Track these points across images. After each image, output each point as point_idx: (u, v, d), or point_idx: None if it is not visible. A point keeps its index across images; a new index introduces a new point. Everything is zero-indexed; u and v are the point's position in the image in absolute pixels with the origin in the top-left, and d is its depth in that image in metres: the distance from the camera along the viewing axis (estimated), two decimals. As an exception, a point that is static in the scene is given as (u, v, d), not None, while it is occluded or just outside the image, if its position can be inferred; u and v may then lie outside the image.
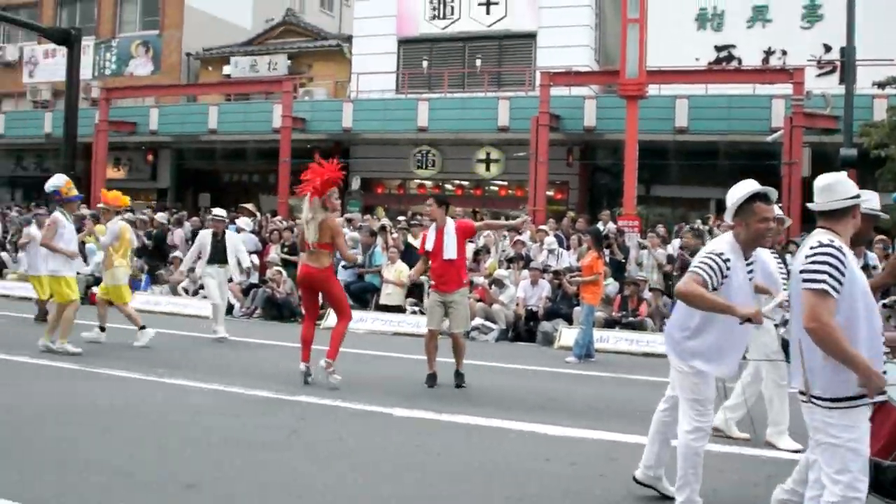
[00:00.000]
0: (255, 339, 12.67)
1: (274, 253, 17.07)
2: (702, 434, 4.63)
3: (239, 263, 12.84)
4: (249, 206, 19.58)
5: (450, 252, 8.92)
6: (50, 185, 10.61)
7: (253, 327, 14.56)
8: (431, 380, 8.96)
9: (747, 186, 4.64)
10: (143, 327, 11.14)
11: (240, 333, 13.11)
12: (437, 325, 9.06)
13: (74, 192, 10.75)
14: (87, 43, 30.06)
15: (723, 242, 4.64)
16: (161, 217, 19.77)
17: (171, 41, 30.83)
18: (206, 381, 8.57)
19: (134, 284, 17.24)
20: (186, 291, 17.09)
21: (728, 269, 4.50)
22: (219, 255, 12.43)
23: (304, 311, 9.85)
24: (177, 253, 17.86)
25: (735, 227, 4.64)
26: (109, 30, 32.02)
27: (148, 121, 27.01)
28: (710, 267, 4.46)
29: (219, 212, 13.19)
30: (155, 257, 18.23)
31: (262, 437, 6.29)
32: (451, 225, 9.05)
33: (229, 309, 16.09)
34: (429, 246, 9.04)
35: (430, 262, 9.17)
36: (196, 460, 5.58)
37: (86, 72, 29.30)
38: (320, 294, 9.09)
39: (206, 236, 12.63)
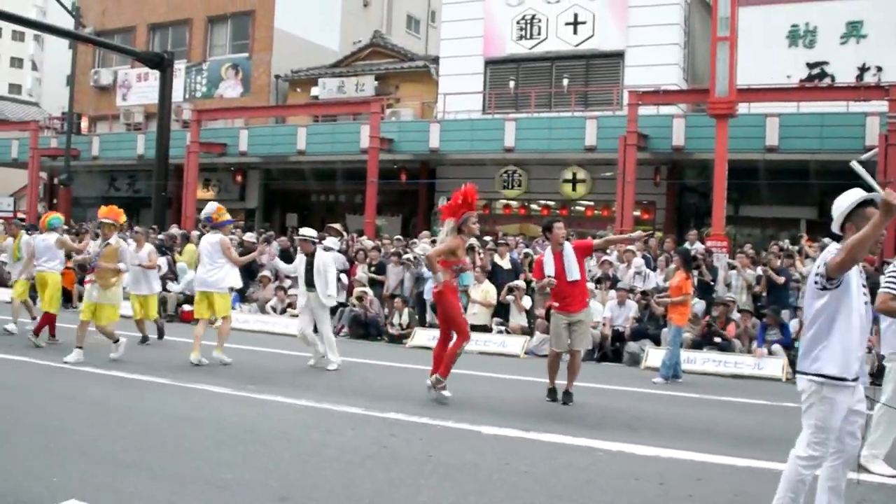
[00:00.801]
0: (343, 357, 12.95)
1: (361, 272, 17.41)
2: (814, 463, 4.53)
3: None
4: (337, 225, 19.99)
5: (573, 274, 9.20)
6: (204, 214, 12.00)
7: (340, 345, 14.83)
8: (552, 394, 9.31)
9: (855, 194, 4.68)
10: (117, 340, 11.16)
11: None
12: (564, 348, 9.26)
13: (225, 216, 11.79)
14: (179, 66, 31.30)
15: None
16: (249, 237, 20.33)
17: (261, 64, 31.74)
18: (295, 396, 8.82)
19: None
20: (274, 310, 17.54)
21: None
22: (308, 277, 11.73)
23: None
24: (265, 272, 18.36)
25: (846, 233, 4.64)
26: (200, 53, 33.16)
27: (237, 142, 27.77)
28: None
29: (307, 231, 12.38)
30: (243, 276, 18.73)
31: (352, 452, 6.45)
32: (568, 247, 9.21)
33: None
34: (549, 270, 9.21)
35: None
36: (287, 473, 5.77)
37: (177, 94, 30.54)
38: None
39: (299, 259, 12.06)
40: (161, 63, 27.06)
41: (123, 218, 11.89)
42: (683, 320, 12.05)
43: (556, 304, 9.31)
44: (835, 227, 4.76)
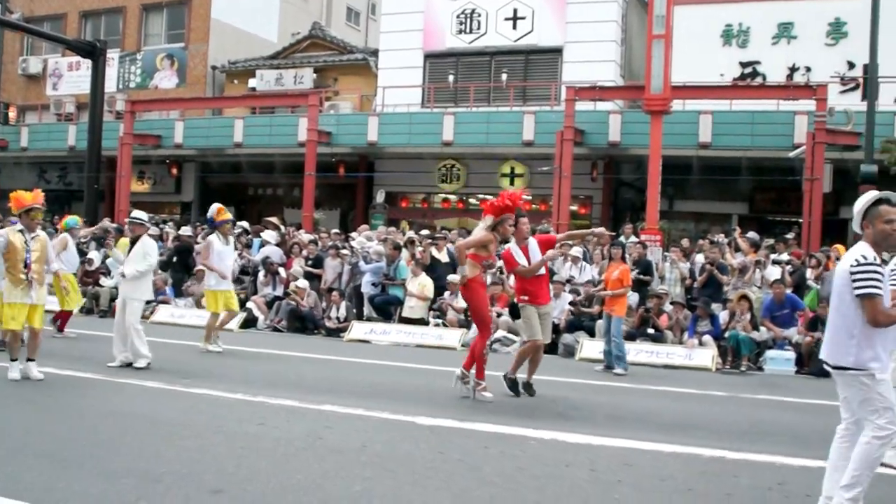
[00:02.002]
0: (279, 350, 12.96)
1: (297, 266, 17.36)
2: (888, 440, 4.67)
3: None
4: (274, 219, 19.90)
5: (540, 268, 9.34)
6: (208, 215, 12.82)
7: (278, 339, 14.85)
8: (516, 386, 9.37)
9: (871, 194, 4.88)
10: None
11: (264, 345, 13.43)
12: (541, 336, 9.28)
13: (225, 216, 12.55)
14: (112, 55, 30.71)
15: (865, 249, 4.77)
16: (186, 230, 20.12)
17: (197, 54, 31.34)
18: (230, 390, 8.80)
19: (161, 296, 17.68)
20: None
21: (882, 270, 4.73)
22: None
23: None
24: (200, 266, 18.20)
25: (864, 229, 4.81)
26: (134, 42, 32.57)
27: (173, 134, 27.43)
28: (877, 280, 4.65)
29: (138, 214, 11.18)
30: (180, 270, 18.57)
31: (287, 444, 6.48)
32: (533, 241, 9.34)
33: (254, 321, 16.46)
34: (523, 262, 9.27)
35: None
36: (222, 466, 5.77)
37: (110, 84, 29.93)
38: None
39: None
40: (93, 52, 26.57)
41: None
42: (623, 311, 12.32)
43: (525, 298, 9.40)
44: (855, 226, 4.94)
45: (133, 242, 10.72)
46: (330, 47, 30.52)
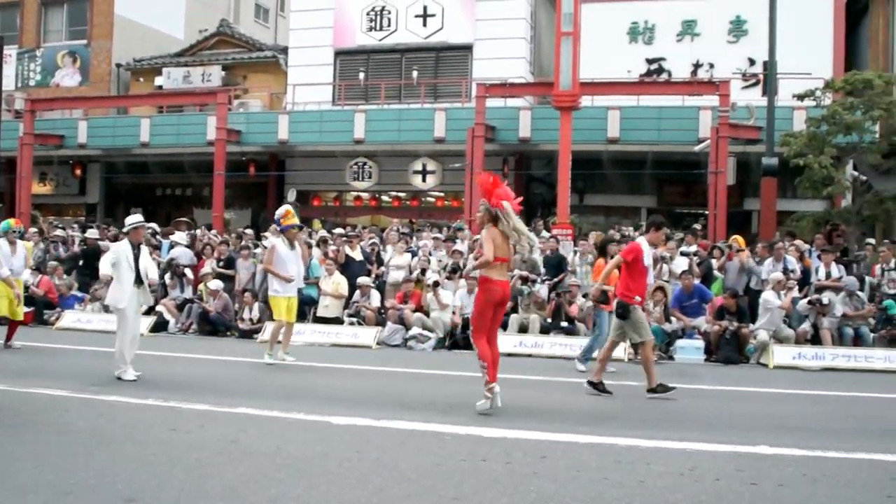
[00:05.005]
0: (190, 353, 12.71)
1: (208, 267, 17.07)
2: None
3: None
4: (185, 220, 19.55)
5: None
6: (275, 217, 12.40)
7: (189, 342, 14.57)
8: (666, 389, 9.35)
9: None
10: None
11: (175, 349, 13.16)
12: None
13: (293, 220, 12.12)
14: (10, 52, 29.60)
15: None
16: (93, 233, 19.58)
17: (100, 52, 30.54)
18: (140, 396, 8.58)
19: (68, 302, 17.17)
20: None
21: None
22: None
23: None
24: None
25: None
26: (33, 39, 31.57)
27: (76, 133, 26.75)
28: None
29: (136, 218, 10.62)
30: (86, 274, 18.06)
31: (201, 450, 6.36)
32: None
33: (164, 325, 16.13)
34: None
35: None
36: (134, 475, 5.62)
37: (8, 82, 28.90)
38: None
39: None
40: (-12, 49, 25.62)
41: None
42: (611, 305, 12.21)
43: (639, 299, 9.42)
44: None
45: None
46: (238, 45, 30.11)
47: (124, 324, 9.81)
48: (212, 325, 15.95)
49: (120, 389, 9.01)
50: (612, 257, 11.87)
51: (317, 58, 26.35)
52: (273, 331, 12.01)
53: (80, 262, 18.33)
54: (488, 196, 8.19)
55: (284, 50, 28.14)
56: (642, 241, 9.61)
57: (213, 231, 20.64)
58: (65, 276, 17.79)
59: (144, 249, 10.20)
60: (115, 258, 9.96)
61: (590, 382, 9.53)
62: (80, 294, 17.59)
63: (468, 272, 8.53)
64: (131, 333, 9.90)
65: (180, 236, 18.07)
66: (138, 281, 9.84)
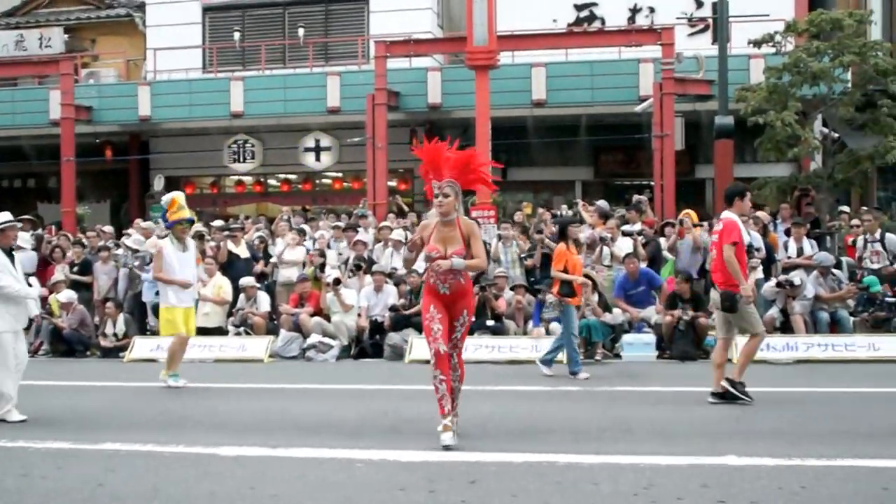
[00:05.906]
0: (42, 381, 12.38)
1: (60, 274, 16.67)
2: None
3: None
4: (27, 217, 19.08)
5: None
6: (160, 214, 12.07)
7: (41, 366, 14.21)
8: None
9: None
10: None
11: (23, 376, 12.81)
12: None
13: (180, 213, 11.62)
14: None
15: None
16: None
17: None
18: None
19: None
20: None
21: None
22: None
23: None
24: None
25: None
26: None
27: None
28: None
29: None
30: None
31: (60, 498, 6.25)
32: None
33: None
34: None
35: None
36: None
37: None
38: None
39: None
40: None
41: None
42: (578, 299, 12.17)
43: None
44: None
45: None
46: (84, 1, 29.38)
47: (3, 351, 9.42)
48: (67, 345, 15.65)
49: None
50: (574, 241, 12.02)
51: (181, 15, 25.96)
52: (172, 348, 11.62)
53: None
54: (439, 171, 8.11)
55: (141, 6, 27.54)
56: (733, 217, 9.71)
57: (64, 230, 20.24)
58: None
59: (18, 256, 9.84)
60: None
61: (728, 384, 9.41)
62: None
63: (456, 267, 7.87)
64: (15, 360, 9.45)
65: (23, 238, 17.61)
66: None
